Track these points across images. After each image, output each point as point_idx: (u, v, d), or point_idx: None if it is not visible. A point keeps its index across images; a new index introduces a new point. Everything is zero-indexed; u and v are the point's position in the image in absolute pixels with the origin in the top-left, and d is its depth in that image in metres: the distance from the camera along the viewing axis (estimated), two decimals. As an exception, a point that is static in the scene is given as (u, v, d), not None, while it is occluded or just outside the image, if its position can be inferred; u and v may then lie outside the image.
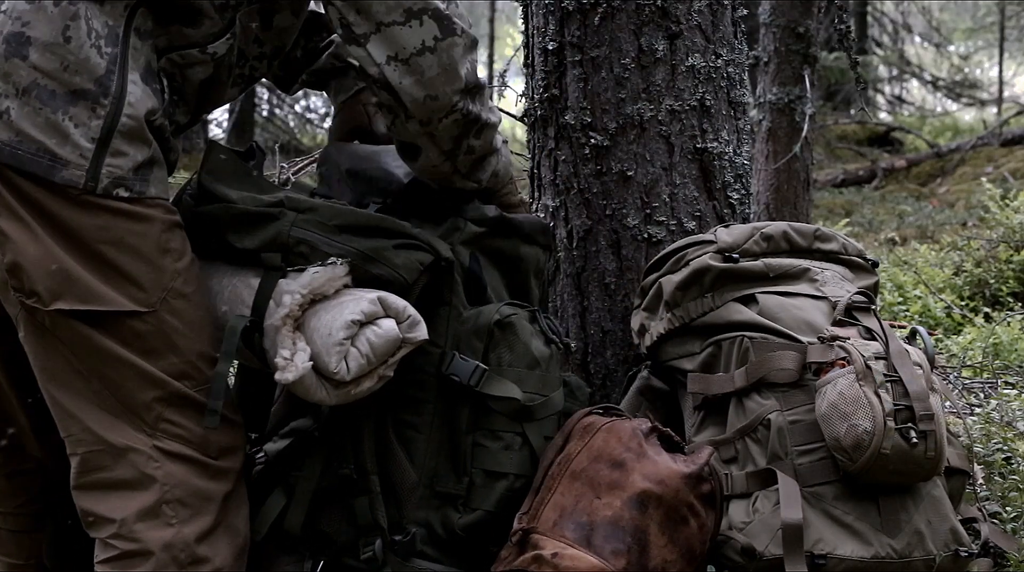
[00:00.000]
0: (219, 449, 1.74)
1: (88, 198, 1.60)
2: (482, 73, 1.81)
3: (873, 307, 1.98)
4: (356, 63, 1.79)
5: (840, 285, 2.06)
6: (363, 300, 1.73)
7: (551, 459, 1.86)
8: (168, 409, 1.69)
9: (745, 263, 2.04)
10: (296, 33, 1.95)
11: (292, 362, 1.70)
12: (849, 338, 1.86)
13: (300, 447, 1.93)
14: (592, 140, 2.32)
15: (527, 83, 2.49)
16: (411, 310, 1.78)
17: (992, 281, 4.85)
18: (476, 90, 1.82)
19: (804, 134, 5.62)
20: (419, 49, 1.73)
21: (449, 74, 1.75)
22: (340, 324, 1.70)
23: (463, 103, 1.79)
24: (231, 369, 1.80)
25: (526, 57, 2.48)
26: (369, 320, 1.73)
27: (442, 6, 1.74)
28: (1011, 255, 4.97)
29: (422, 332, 1.79)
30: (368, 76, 1.77)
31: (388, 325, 1.74)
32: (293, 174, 3.48)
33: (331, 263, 1.76)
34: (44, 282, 1.60)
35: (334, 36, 2.16)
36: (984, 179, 7.95)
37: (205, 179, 1.85)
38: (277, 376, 1.71)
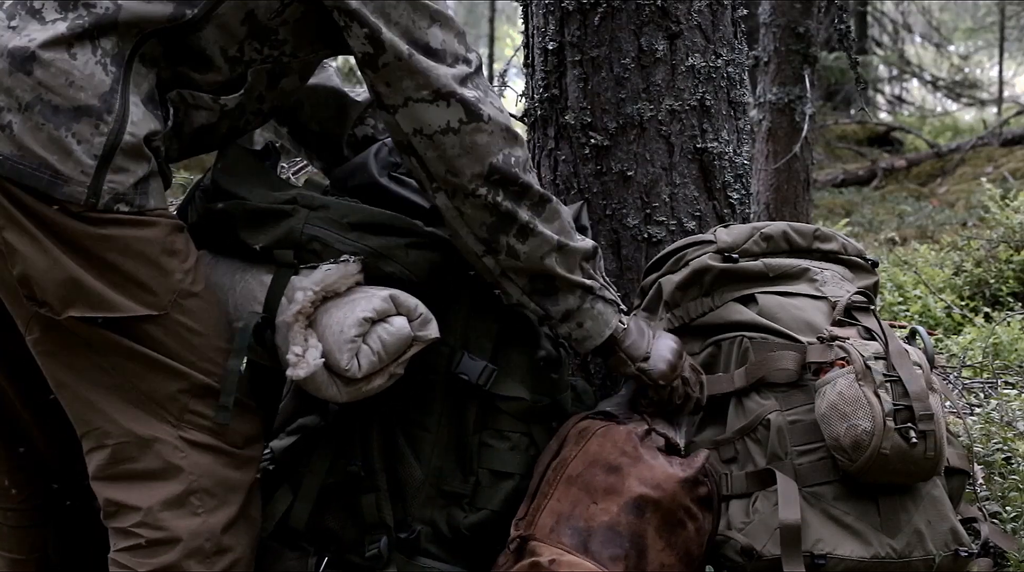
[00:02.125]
0: (244, 438, 1.75)
1: (89, 214, 1.60)
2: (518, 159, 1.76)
3: (873, 307, 1.99)
4: (387, 126, 1.79)
5: (840, 285, 2.06)
6: (375, 297, 1.74)
7: (546, 464, 1.86)
8: (192, 400, 1.70)
9: (745, 263, 2.04)
10: (297, 96, 1.96)
11: (304, 358, 1.71)
12: (849, 338, 1.86)
13: (307, 444, 1.93)
14: (592, 140, 2.32)
15: (527, 83, 2.49)
16: (423, 308, 1.78)
17: (992, 281, 4.85)
18: (509, 185, 1.77)
19: (804, 134, 5.62)
20: (443, 129, 1.73)
21: (471, 157, 1.74)
22: (352, 321, 1.71)
23: (488, 191, 1.75)
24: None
25: (526, 57, 2.49)
26: (381, 317, 1.74)
27: (470, 96, 1.73)
28: (1011, 255, 4.97)
29: (433, 330, 1.79)
30: (397, 140, 1.78)
31: (400, 323, 1.75)
32: (293, 174, 3.48)
33: (343, 260, 1.77)
34: (55, 293, 1.61)
35: None
36: (984, 179, 7.95)
37: (219, 176, 1.86)
38: (289, 372, 1.72)
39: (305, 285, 1.75)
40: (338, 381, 1.74)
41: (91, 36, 1.62)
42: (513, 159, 1.77)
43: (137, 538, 1.67)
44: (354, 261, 1.78)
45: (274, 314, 1.76)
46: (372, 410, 1.86)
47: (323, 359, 1.72)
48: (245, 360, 1.72)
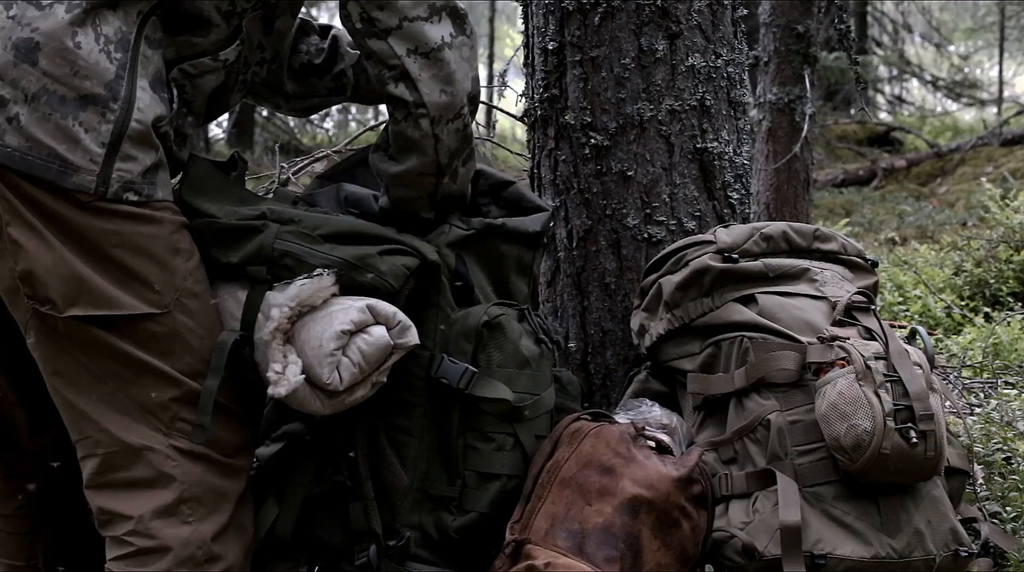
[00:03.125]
0: (233, 447, 1.75)
1: (98, 204, 1.60)
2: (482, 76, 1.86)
3: (873, 307, 1.98)
4: (373, 54, 1.78)
5: (840, 285, 2.06)
6: (352, 309, 1.73)
7: (540, 466, 1.85)
8: (184, 408, 1.69)
9: (745, 263, 2.04)
10: (291, 36, 1.95)
11: (284, 376, 1.70)
12: (849, 338, 1.86)
13: (292, 451, 1.93)
14: (592, 140, 2.32)
15: (527, 83, 2.49)
16: (401, 316, 1.78)
17: (992, 281, 4.85)
18: (475, 105, 1.85)
19: (804, 134, 5.61)
20: (439, 44, 1.76)
21: (463, 71, 1.79)
22: (330, 335, 1.70)
23: (469, 111, 1.83)
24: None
25: (526, 57, 2.48)
26: (359, 329, 1.72)
27: (460, 5, 1.77)
28: (1011, 255, 4.96)
29: (413, 337, 1.79)
30: (387, 67, 1.78)
31: (378, 332, 1.74)
32: (293, 174, 3.48)
33: (317, 274, 1.75)
34: (58, 289, 1.61)
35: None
36: (984, 179, 7.94)
37: (187, 194, 1.82)
38: (270, 390, 1.71)
39: (280, 301, 1.73)
40: (320, 395, 1.73)
41: (92, 21, 1.62)
42: (476, 67, 1.84)
43: (129, 546, 1.67)
44: (328, 274, 1.76)
45: (251, 331, 1.75)
46: (356, 418, 1.85)
47: (303, 375, 1.71)
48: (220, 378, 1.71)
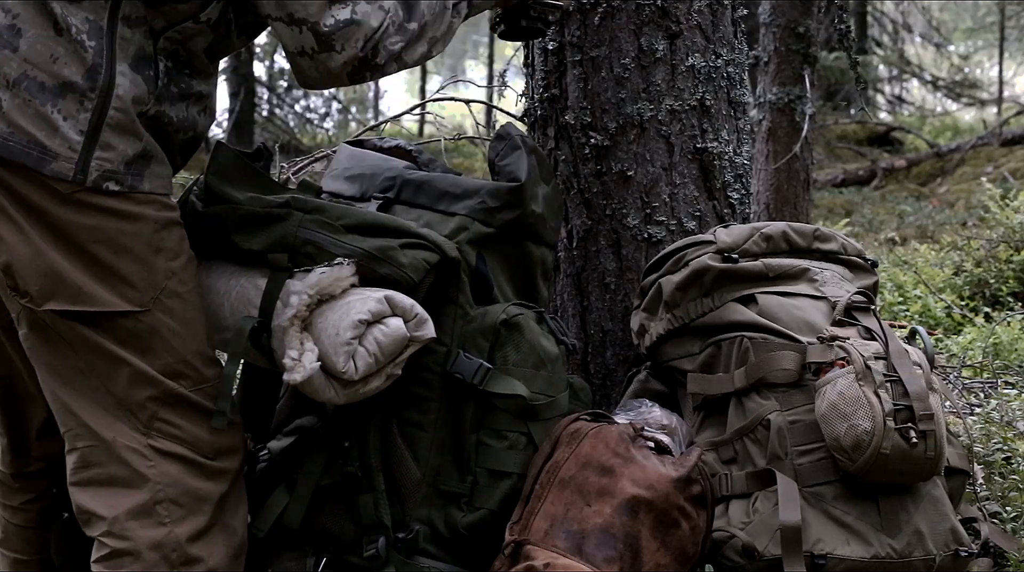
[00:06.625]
0: (216, 449, 1.74)
1: (78, 196, 1.60)
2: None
3: (872, 307, 1.98)
4: None
5: (839, 285, 2.06)
6: (370, 299, 1.74)
7: (539, 466, 1.85)
8: (163, 408, 1.69)
9: (744, 263, 2.04)
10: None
11: (300, 362, 1.71)
12: (849, 338, 1.86)
13: (304, 445, 1.93)
14: (592, 140, 2.32)
15: (527, 83, 2.49)
16: (418, 309, 1.78)
17: (992, 281, 4.85)
18: None
19: (804, 134, 5.62)
20: None
21: None
22: (347, 324, 1.71)
23: None
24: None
25: (526, 57, 2.48)
26: (376, 319, 1.73)
27: None
28: (1011, 255, 4.97)
29: (429, 330, 1.79)
30: None
31: (395, 324, 1.75)
32: (293, 174, 3.48)
33: (338, 263, 1.77)
34: (36, 283, 1.60)
35: None
36: (984, 179, 7.95)
37: (211, 180, 1.86)
38: (285, 377, 1.71)
39: (300, 289, 1.74)
40: (335, 383, 1.74)
41: (58, 12, 1.61)
42: None
43: (106, 548, 1.67)
44: (348, 263, 1.77)
45: (270, 318, 1.75)
46: (369, 410, 1.86)
47: (319, 363, 1.71)
48: (241, 364, 1.71)
